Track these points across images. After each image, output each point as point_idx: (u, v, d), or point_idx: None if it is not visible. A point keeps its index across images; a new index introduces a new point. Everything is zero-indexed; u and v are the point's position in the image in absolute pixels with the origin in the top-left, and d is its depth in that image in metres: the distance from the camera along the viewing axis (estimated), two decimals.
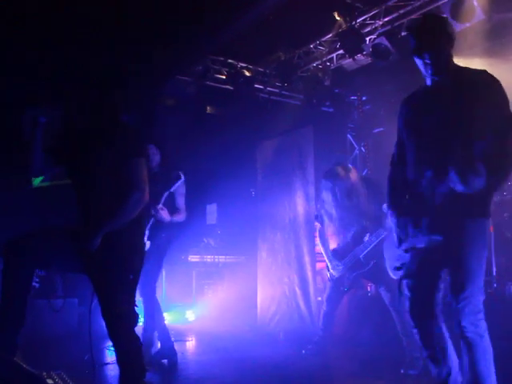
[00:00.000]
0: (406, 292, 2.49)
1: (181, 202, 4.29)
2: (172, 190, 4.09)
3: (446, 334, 2.49)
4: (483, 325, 2.36)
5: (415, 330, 2.51)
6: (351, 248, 4.48)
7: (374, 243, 4.25)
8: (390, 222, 2.58)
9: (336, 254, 4.61)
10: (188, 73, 6.65)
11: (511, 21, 5.31)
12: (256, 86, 7.09)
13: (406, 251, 2.46)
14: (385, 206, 3.38)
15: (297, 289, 5.55)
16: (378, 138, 7.61)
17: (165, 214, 4.01)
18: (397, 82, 6.30)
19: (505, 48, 5.57)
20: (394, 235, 2.54)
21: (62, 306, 5.38)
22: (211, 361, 4.69)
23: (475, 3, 4.95)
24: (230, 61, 6.78)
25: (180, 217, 4.25)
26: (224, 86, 6.96)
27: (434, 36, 2.41)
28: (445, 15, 5.16)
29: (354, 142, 8.42)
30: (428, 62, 2.41)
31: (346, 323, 5.17)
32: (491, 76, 2.40)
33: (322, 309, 4.69)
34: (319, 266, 5.44)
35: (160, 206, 3.97)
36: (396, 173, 2.67)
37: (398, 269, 2.52)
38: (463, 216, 2.34)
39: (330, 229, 4.71)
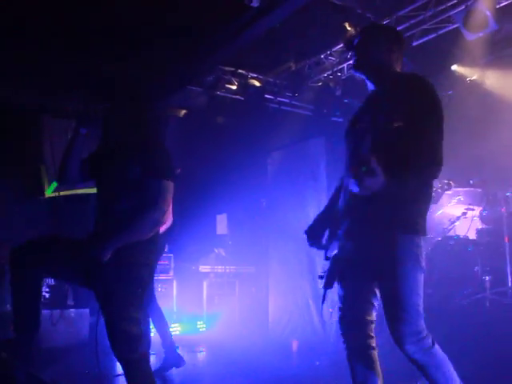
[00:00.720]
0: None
1: None
2: None
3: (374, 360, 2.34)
4: (427, 341, 2.19)
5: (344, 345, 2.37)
6: None
7: None
8: None
9: None
10: (199, 83, 6.68)
11: None
12: (266, 96, 7.10)
13: (327, 259, 2.36)
14: None
15: (309, 299, 5.50)
16: None
17: None
18: None
19: None
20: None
21: (74, 316, 5.39)
22: (223, 372, 4.64)
23: (488, 13, 4.94)
24: (240, 71, 6.80)
25: (165, 226, 3.96)
26: (234, 96, 6.97)
27: (360, 40, 2.45)
28: (457, 25, 5.16)
29: None
30: (352, 60, 2.47)
31: None
32: (416, 80, 2.25)
33: (333, 322, 4.63)
34: None
35: None
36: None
37: (320, 277, 2.40)
38: (384, 230, 2.17)
39: None
